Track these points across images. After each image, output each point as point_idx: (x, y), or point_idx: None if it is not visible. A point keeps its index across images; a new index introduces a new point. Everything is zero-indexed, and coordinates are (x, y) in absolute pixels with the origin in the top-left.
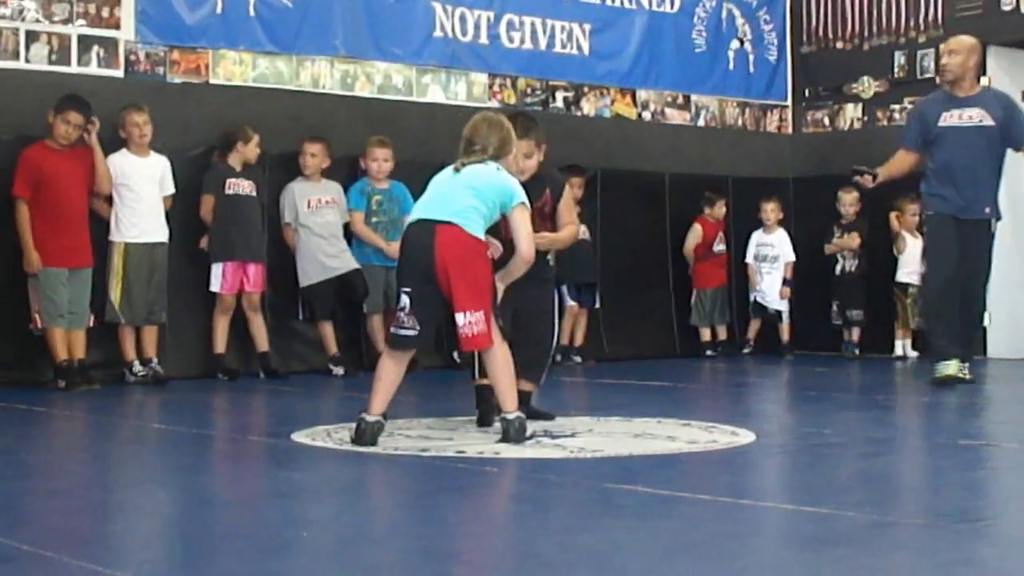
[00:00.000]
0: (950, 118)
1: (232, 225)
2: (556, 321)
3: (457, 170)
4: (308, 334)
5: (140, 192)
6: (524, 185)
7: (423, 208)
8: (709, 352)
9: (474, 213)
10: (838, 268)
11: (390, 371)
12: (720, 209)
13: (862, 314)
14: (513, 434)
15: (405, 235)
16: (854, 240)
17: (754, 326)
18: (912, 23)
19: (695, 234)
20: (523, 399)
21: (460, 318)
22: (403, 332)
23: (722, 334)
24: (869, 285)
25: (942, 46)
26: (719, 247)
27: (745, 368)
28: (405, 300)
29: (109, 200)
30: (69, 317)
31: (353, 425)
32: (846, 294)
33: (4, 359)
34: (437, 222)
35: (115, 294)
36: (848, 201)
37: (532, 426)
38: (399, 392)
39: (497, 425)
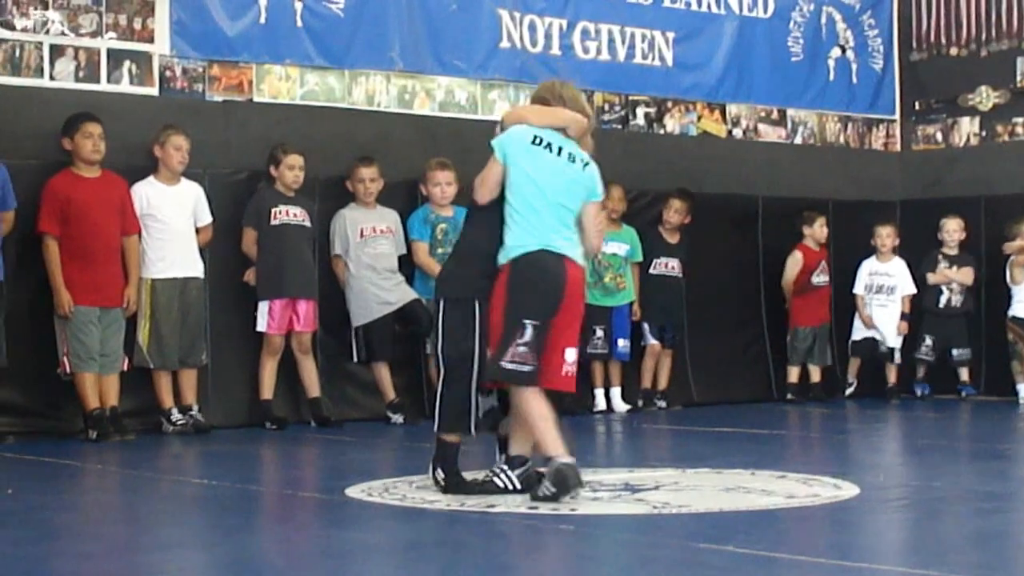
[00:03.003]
0: None
1: (281, 258)
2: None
3: (571, 158)
4: (364, 378)
5: (169, 223)
6: None
7: (550, 231)
8: (790, 396)
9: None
10: (942, 300)
11: (543, 404)
12: (821, 230)
13: (969, 353)
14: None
15: (536, 261)
16: (967, 275)
17: (855, 364)
18: None
19: (795, 263)
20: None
21: (571, 354)
22: (525, 369)
23: (815, 376)
24: (974, 321)
25: None
26: (819, 278)
27: (848, 413)
28: (531, 333)
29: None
30: (101, 360)
31: (423, 480)
32: (949, 331)
33: (31, 407)
34: (567, 257)
35: (143, 335)
36: (952, 228)
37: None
38: (465, 443)
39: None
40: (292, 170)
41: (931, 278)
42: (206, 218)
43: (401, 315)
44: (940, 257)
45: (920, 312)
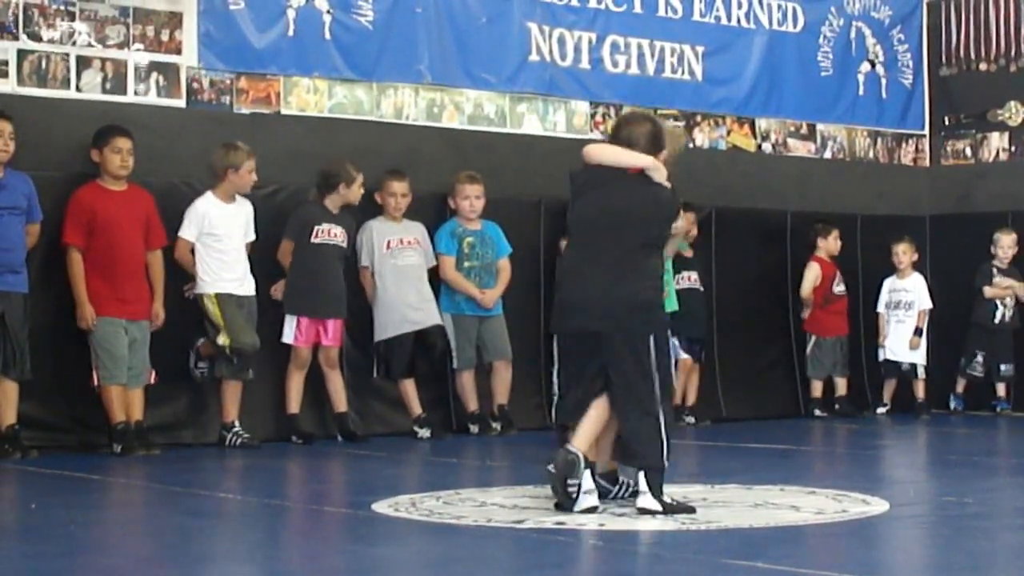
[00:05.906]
0: None
1: (314, 278)
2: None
3: None
4: (390, 393)
5: (227, 241)
6: None
7: None
8: (818, 412)
9: None
10: (997, 316)
11: None
12: (835, 242)
13: (1012, 368)
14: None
15: None
16: (1020, 288)
17: (890, 386)
18: None
19: (814, 274)
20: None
21: None
22: None
23: (841, 388)
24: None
25: None
26: (839, 288)
27: (877, 429)
28: None
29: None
30: (128, 373)
31: (439, 494)
32: (998, 346)
33: (55, 421)
34: None
35: (225, 339)
36: (1007, 243)
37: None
38: (491, 457)
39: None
40: (362, 189)
41: (988, 291)
42: (252, 235)
43: (420, 337)
44: (995, 271)
45: (971, 327)
